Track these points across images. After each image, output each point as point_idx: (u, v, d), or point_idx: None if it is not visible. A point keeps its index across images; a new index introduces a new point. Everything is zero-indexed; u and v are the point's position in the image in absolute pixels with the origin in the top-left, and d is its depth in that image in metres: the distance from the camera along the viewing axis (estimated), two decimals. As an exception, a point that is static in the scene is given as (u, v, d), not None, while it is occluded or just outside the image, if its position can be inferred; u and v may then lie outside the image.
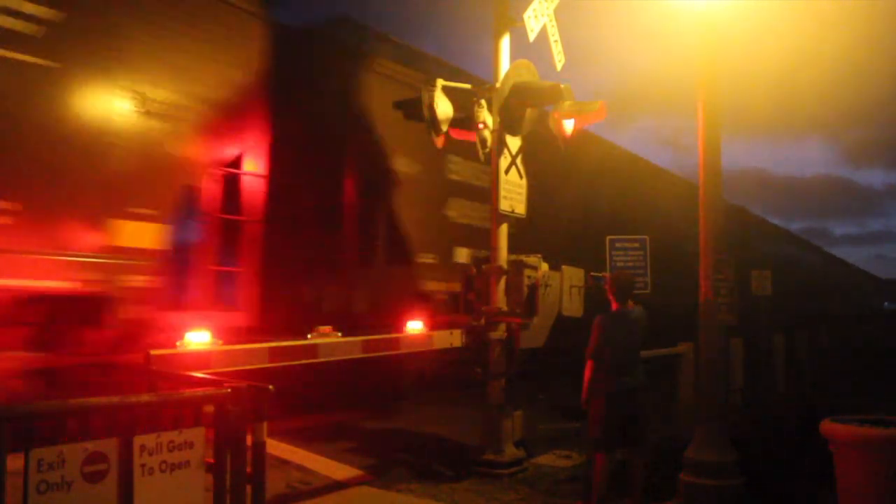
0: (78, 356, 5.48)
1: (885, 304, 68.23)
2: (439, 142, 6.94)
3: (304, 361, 6.73)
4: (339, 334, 7.17)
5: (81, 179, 5.73)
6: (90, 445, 3.12)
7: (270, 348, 6.36)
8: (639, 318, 5.97)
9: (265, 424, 3.91)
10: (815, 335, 15.70)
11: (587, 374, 5.79)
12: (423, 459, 7.35)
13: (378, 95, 8.80)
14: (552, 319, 7.36)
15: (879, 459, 4.42)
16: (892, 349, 19.66)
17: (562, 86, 6.84)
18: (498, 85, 7.05)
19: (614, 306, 5.94)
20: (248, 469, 3.81)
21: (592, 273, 7.24)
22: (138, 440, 3.29)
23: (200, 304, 6.71)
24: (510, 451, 6.98)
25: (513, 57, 7.24)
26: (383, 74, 9.22)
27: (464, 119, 7.09)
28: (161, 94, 6.26)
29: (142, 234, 6.02)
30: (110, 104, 5.91)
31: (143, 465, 3.28)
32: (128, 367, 5.39)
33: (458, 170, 10.18)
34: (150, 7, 6.28)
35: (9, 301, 5.22)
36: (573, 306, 7.45)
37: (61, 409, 3.23)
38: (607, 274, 6.58)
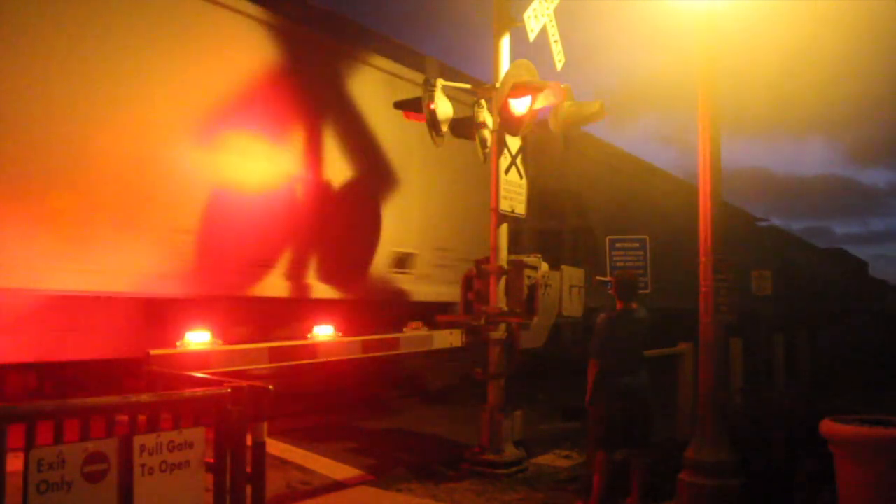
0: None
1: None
2: (439, 142, 6.96)
3: (304, 361, 6.74)
4: (339, 334, 7.17)
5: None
6: (90, 445, 3.11)
7: (270, 348, 6.35)
8: (643, 319, 5.97)
9: (265, 424, 3.90)
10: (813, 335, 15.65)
11: (591, 373, 5.79)
12: (423, 459, 7.34)
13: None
14: (552, 319, 7.37)
15: (879, 459, 4.42)
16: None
17: (562, 86, 6.84)
18: (498, 85, 7.05)
19: (619, 306, 5.94)
20: (248, 469, 3.81)
21: (597, 277, 7.23)
22: (138, 440, 3.28)
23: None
24: (510, 451, 6.98)
25: (513, 57, 7.24)
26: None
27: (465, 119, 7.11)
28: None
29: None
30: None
31: (143, 465, 3.27)
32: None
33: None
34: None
35: None
36: (573, 306, 7.45)
37: (61, 409, 3.23)
38: (612, 277, 6.57)
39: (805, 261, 30.56)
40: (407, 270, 9.55)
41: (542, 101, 6.76)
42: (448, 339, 7.91)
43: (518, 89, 6.77)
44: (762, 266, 15.59)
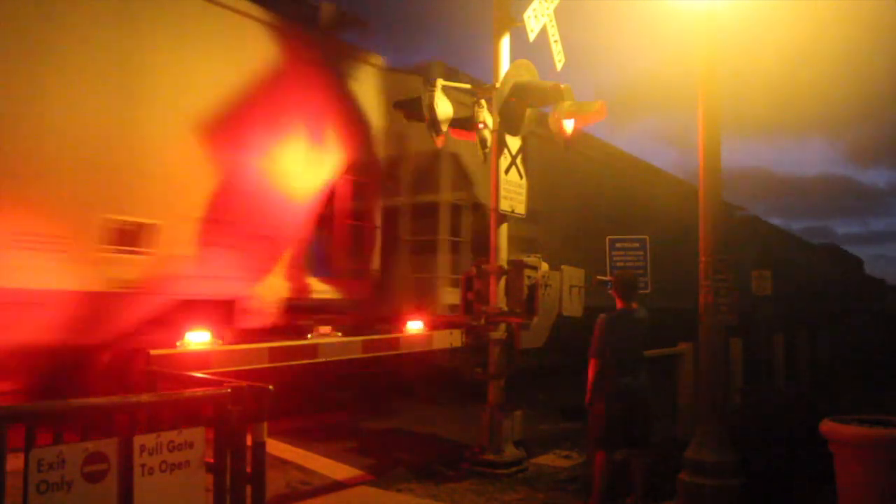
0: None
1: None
2: (439, 142, 6.96)
3: (304, 361, 6.75)
4: (339, 334, 7.18)
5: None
6: (90, 445, 3.11)
7: (270, 348, 6.37)
8: (643, 319, 5.97)
9: (265, 424, 3.91)
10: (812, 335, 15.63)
11: (590, 373, 5.79)
12: (423, 459, 7.34)
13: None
14: (552, 319, 7.36)
15: (879, 459, 4.42)
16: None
17: (562, 86, 6.84)
18: (498, 85, 7.04)
19: (619, 305, 5.94)
20: (248, 469, 3.81)
21: (598, 277, 7.23)
22: (138, 440, 3.29)
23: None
24: (510, 451, 6.97)
25: (513, 57, 7.23)
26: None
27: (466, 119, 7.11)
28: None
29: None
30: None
31: (143, 465, 3.28)
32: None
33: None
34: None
35: None
36: (573, 306, 7.45)
37: (61, 409, 3.23)
38: (612, 277, 6.56)
39: (805, 259, 30.52)
40: (141, 249, 6.84)
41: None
42: (448, 339, 7.92)
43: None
44: (743, 261, 15.36)
